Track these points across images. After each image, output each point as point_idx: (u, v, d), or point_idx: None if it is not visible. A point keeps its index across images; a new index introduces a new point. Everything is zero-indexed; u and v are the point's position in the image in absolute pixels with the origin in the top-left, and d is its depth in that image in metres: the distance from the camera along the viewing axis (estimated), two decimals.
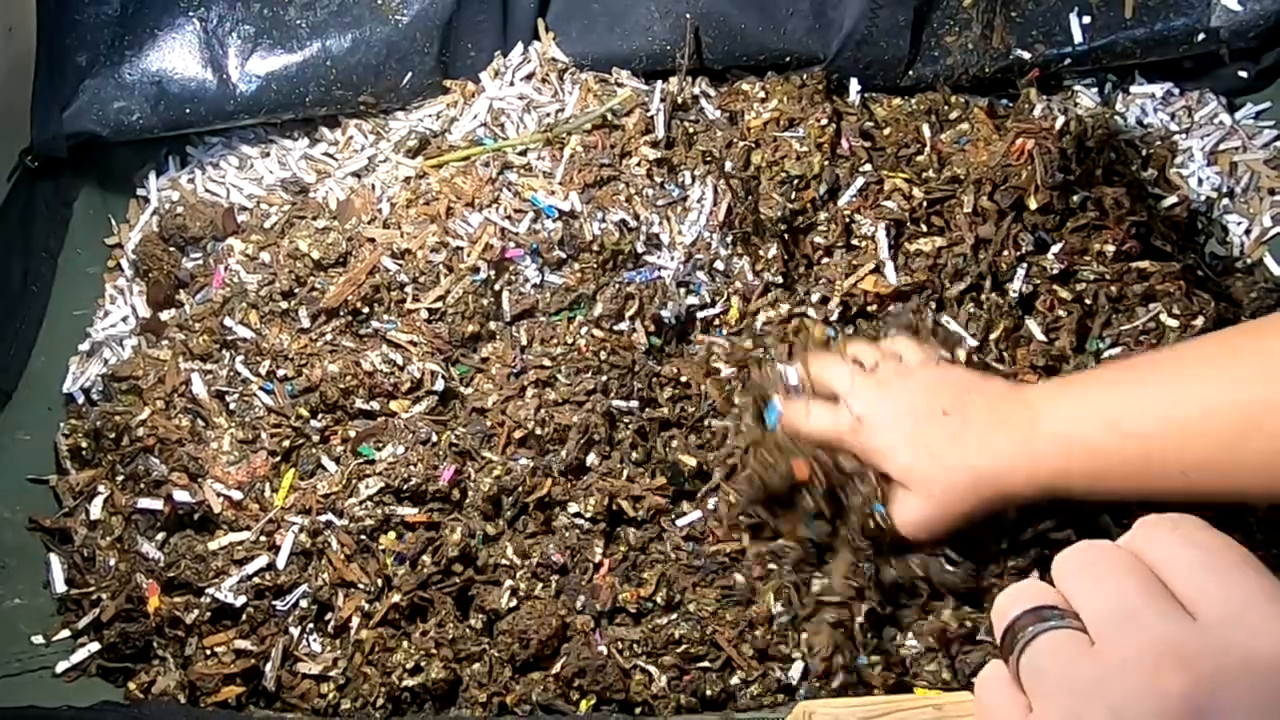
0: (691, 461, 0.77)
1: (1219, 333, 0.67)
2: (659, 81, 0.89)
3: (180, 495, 0.75)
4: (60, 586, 0.76)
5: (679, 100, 0.89)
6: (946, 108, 0.93)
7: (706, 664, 0.72)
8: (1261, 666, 0.33)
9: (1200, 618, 0.35)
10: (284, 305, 0.82)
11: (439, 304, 0.81)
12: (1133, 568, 0.38)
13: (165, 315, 0.87)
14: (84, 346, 0.88)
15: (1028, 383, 0.73)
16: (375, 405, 0.78)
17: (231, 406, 0.79)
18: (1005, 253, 0.81)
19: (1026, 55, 0.93)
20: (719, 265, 0.83)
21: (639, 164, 0.85)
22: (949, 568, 0.68)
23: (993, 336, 0.79)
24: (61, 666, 0.73)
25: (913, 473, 0.66)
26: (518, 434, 0.77)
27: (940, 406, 0.67)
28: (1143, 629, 0.35)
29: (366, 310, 0.81)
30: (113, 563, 0.76)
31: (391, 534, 0.74)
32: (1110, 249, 0.81)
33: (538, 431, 0.77)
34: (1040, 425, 0.64)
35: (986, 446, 0.65)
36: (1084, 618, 0.38)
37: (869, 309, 0.82)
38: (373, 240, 0.83)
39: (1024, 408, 0.65)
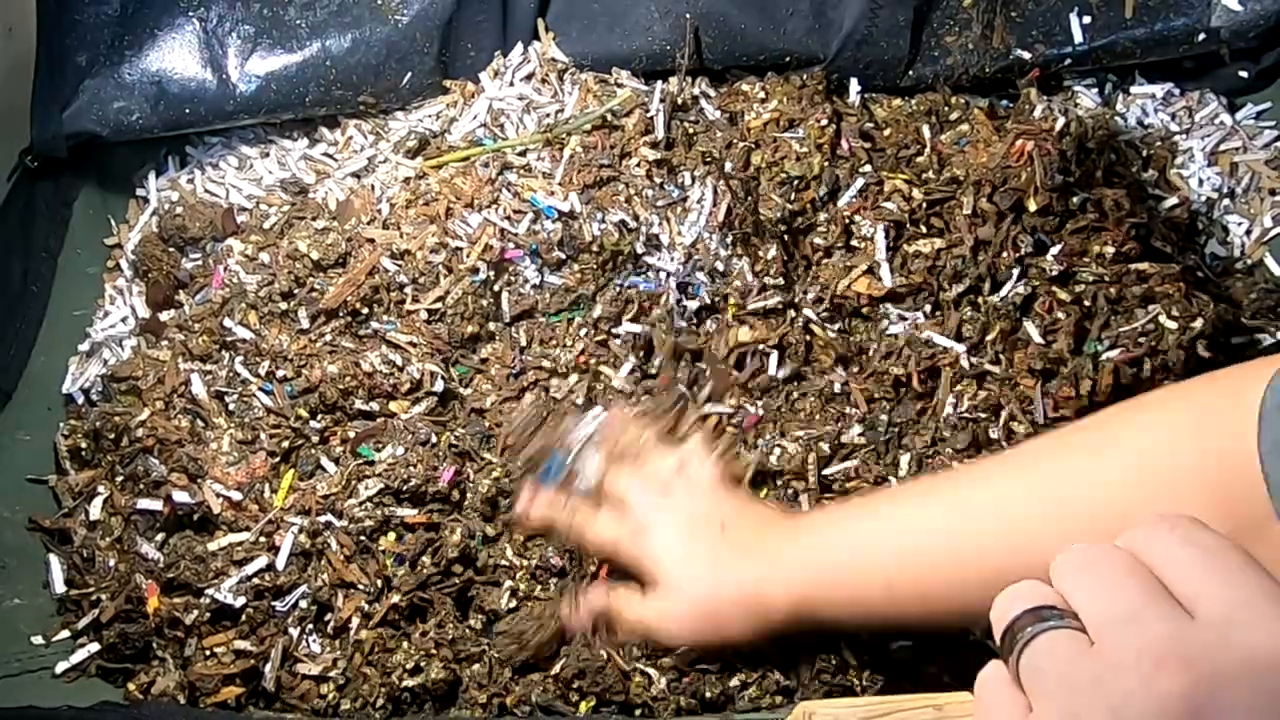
0: None
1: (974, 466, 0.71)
2: (659, 82, 0.89)
3: (180, 496, 0.75)
4: (60, 587, 0.76)
5: (679, 101, 0.89)
6: (947, 108, 0.93)
7: (706, 666, 0.72)
8: (1262, 666, 0.33)
9: (1200, 617, 0.35)
10: (283, 306, 0.82)
11: (438, 305, 0.80)
12: (1132, 568, 0.38)
13: (165, 316, 0.87)
14: (83, 347, 0.88)
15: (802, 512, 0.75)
16: (375, 406, 0.78)
17: (231, 407, 0.79)
18: (1004, 255, 0.81)
19: (1026, 55, 0.93)
20: (719, 266, 0.83)
21: (639, 164, 0.85)
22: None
23: (989, 339, 0.79)
24: (61, 667, 0.73)
25: (681, 582, 0.68)
26: None
27: (718, 522, 0.69)
28: (1142, 629, 0.35)
29: (366, 311, 0.81)
30: (112, 563, 0.76)
31: (391, 535, 0.74)
32: (1110, 250, 0.81)
33: None
34: (791, 552, 0.66)
35: (747, 566, 0.67)
36: (1083, 618, 0.37)
37: (863, 310, 0.82)
38: (372, 241, 0.83)
39: (785, 533, 0.68)
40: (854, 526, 0.66)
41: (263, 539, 0.74)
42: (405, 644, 0.73)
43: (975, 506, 0.60)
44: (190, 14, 0.91)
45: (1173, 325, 0.79)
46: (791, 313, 0.81)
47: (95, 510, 0.78)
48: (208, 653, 0.72)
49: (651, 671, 0.71)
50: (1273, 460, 0.44)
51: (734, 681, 0.71)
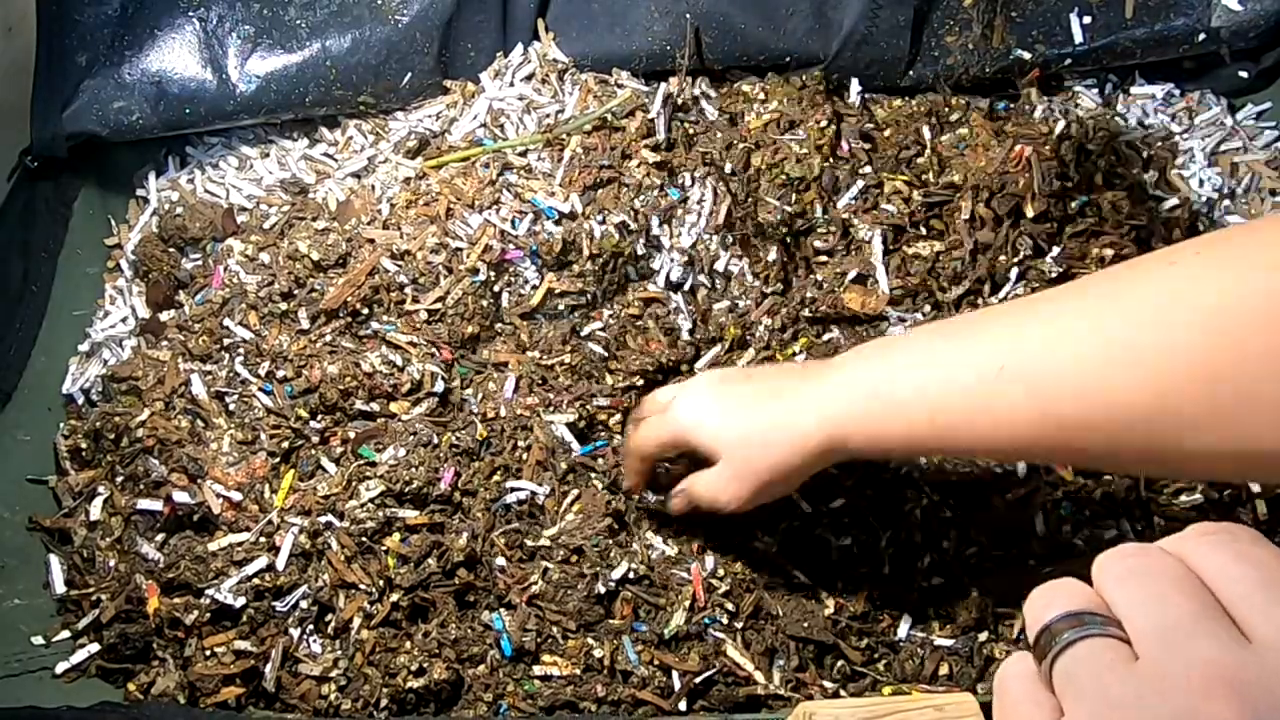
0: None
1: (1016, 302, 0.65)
2: (660, 82, 0.89)
3: (180, 496, 0.75)
4: (60, 587, 0.76)
5: (679, 101, 0.89)
6: (947, 109, 0.92)
7: (710, 666, 0.72)
8: None
9: (1255, 641, 0.33)
10: (283, 306, 0.82)
11: (438, 305, 0.80)
12: (1182, 579, 0.35)
13: (165, 316, 0.87)
14: (84, 347, 0.88)
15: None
16: (375, 406, 0.78)
17: (231, 407, 0.79)
18: (1003, 257, 0.81)
19: (1027, 55, 0.93)
20: (719, 267, 0.83)
21: (639, 166, 0.84)
22: None
23: None
24: (61, 667, 0.73)
25: (720, 437, 0.66)
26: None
27: (747, 375, 0.68)
28: (1191, 649, 0.33)
29: (366, 311, 0.81)
30: (112, 563, 0.76)
31: (395, 536, 0.74)
32: (1109, 253, 0.81)
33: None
34: (818, 384, 0.64)
35: (777, 403, 0.65)
36: (1127, 628, 0.35)
37: (861, 314, 0.82)
38: (372, 241, 0.83)
39: (826, 368, 0.65)
40: (891, 360, 0.62)
41: (263, 539, 0.74)
42: (408, 644, 0.72)
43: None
44: (190, 14, 0.91)
45: None
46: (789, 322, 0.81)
47: (95, 510, 0.78)
48: (208, 653, 0.72)
49: (656, 671, 0.71)
50: None
51: (736, 682, 0.71)
